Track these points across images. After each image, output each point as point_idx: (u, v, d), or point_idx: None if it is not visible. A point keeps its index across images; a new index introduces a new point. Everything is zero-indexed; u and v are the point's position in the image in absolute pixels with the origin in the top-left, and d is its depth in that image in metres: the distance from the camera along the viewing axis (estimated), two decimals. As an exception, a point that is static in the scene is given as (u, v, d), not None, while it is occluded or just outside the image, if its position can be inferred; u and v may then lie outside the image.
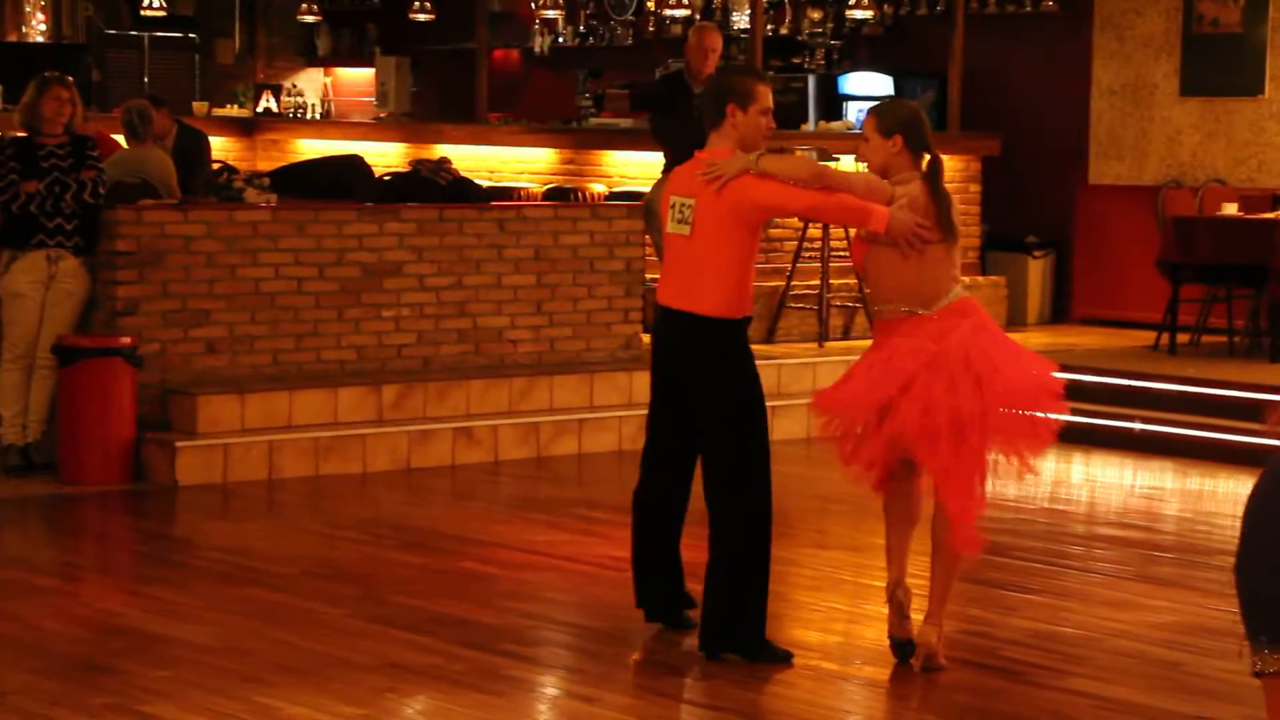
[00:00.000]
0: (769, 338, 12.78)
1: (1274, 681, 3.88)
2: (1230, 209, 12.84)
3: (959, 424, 6.31)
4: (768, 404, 6.72)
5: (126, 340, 9.78)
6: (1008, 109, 14.70)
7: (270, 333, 10.39)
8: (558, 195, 13.57)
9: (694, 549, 6.95)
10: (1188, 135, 14.04)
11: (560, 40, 17.73)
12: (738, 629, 6.58)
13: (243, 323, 10.32)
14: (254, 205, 10.68)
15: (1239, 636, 3.92)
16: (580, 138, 14.78)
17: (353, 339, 10.64)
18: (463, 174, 12.03)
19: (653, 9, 16.78)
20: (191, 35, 18.28)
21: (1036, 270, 14.59)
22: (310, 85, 19.31)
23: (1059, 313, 14.70)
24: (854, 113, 14.55)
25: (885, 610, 6.70)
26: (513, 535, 8.70)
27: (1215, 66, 13.82)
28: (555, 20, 17.52)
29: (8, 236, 9.86)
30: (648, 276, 11.57)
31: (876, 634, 6.91)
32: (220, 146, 16.02)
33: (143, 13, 17.58)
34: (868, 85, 14.95)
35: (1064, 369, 6.80)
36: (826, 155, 12.84)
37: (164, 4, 17.51)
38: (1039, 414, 6.52)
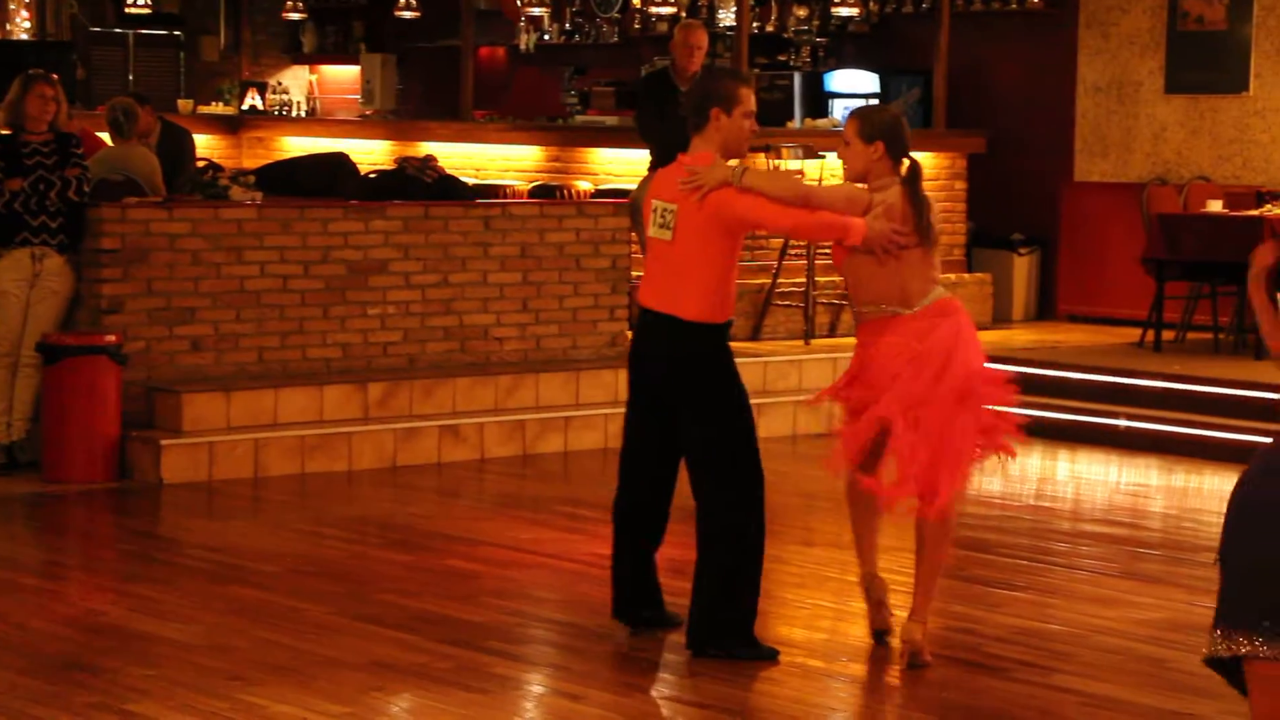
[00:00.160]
0: (755, 335, 12.78)
1: (1255, 666, 3.92)
2: (1215, 206, 12.86)
3: (939, 412, 6.38)
4: (754, 401, 6.73)
5: (111, 338, 9.77)
6: (993, 106, 14.72)
7: (255, 330, 10.38)
8: (543, 193, 13.58)
9: (683, 547, 6.95)
10: (1172, 132, 14.06)
11: (546, 38, 17.72)
12: (725, 627, 6.58)
13: (228, 320, 10.31)
14: (239, 203, 10.68)
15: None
16: (566, 135, 14.78)
17: (338, 337, 10.63)
18: (448, 171, 12.03)
19: (638, 6, 16.77)
20: (176, 32, 18.26)
21: (1022, 267, 14.61)
22: (295, 83, 19.28)
23: (1044, 310, 14.71)
24: (840, 110, 14.56)
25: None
26: (499, 533, 8.70)
27: (1200, 64, 13.84)
28: (541, 17, 17.51)
29: (-8, 234, 9.85)
30: (633, 274, 11.56)
31: (862, 631, 6.92)
32: (205, 144, 16.01)
33: (127, 10, 17.56)
34: (854, 83, 14.96)
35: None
36: (812, 153, 12.85)
37: (148, 1, 17.49)
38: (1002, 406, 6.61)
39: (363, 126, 16.88)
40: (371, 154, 15.52)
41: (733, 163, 6.56)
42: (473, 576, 7.85)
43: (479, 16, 16.99)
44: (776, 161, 12.66)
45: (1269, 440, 4.29)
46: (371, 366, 10.69)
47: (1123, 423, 11.29)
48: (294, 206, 10.68)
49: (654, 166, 11.53)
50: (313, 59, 19.49)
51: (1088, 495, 10.29)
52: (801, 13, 15.90)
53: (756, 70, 15.06)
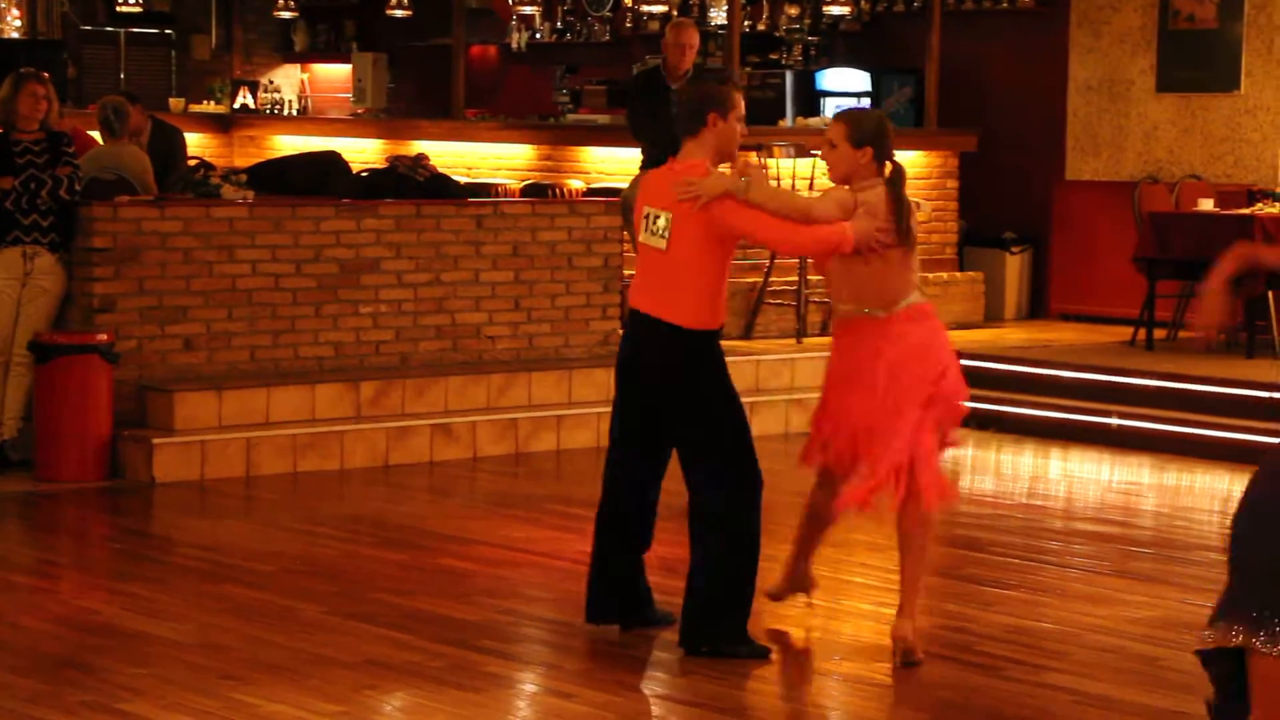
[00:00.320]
0: (747, 334, 12.78)
1: (1259, 666, 3.94)
2: (1206, 204, 12.87)
3: (910, 418, 6.51)
4: (746, 400, 6.75)
5: (103, 337, 9.76)
6: (985, 105, 14.73)
7: (248, 329, 10.38)
8: (535, 191, 13.57)
9: (675, 545, 6.94)
10: (1164, 131, 14.07)
11: (537, 36, 17.72)
12: (718, 625, 6.58)
13: (220, 319, 10.30)
14: (231, 201, 10.67)
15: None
16: (558, 134, 14.78)
17: (330, 335, 10.62)
18: (440, 170, 12.02)
19: (630, 5, 16.77)
20: (167, 31, 18.26)
21: (1014, 266, 14.62)
22: (287, 81, 19.27)
23: (1036, 308, 14.72)
24: (831, 109, 14.55)
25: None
26: (491, 531, 8.70)
27: (1191, 62, 13.85)
28: (532, 16, 17.51)
29: (-17, 233, 9.84)
30: (626, 273, 11.56)
31: (854, 629, 6.92)
32: (197, 143, 16.00)
33: (119, 9, 17.55)
34: (845, 81, 14.95)
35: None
36: (804, 151, 12.85)
37: (140, 0, 17.47)
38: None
39: (354, 125, 16.88)
40: (363, 152, 15.52)
41: (732, 173, 6.58)
42: (465, 575, 7.85)
43: (470, 15, 16.99)
44: (769, 160, 12.66)
45: (1278, 441, 4.31)
46: (363, 365, 10.69)
47: (1115, 421, 11.29)
48: (286, 205, 10.67)
49: (645, 165, 11.53)
50: (304, 58, 19.48)
51: (1080, 494, 10.30)
52: (793, 11, 15.90)
53: (748, 69, 15.06)
